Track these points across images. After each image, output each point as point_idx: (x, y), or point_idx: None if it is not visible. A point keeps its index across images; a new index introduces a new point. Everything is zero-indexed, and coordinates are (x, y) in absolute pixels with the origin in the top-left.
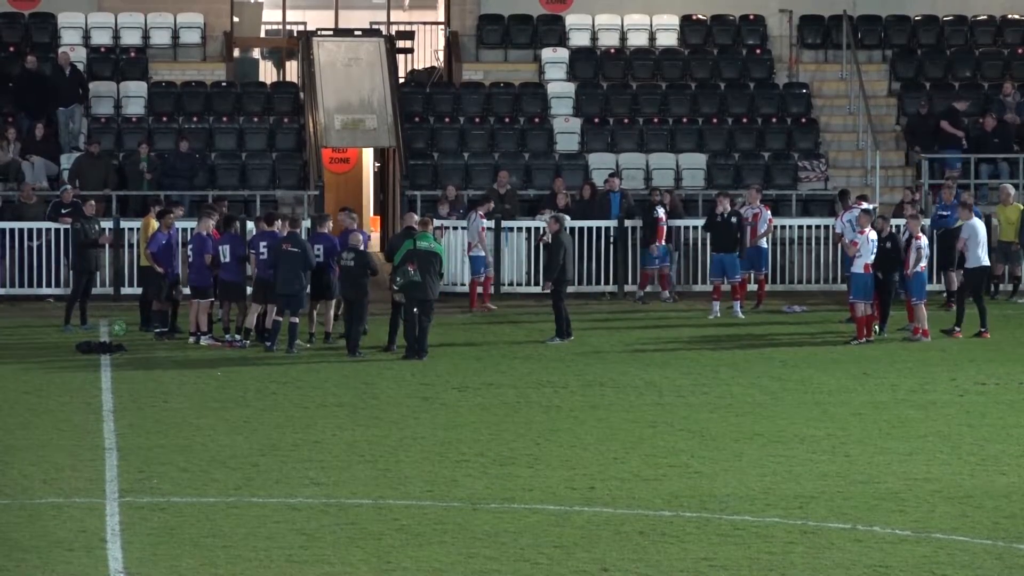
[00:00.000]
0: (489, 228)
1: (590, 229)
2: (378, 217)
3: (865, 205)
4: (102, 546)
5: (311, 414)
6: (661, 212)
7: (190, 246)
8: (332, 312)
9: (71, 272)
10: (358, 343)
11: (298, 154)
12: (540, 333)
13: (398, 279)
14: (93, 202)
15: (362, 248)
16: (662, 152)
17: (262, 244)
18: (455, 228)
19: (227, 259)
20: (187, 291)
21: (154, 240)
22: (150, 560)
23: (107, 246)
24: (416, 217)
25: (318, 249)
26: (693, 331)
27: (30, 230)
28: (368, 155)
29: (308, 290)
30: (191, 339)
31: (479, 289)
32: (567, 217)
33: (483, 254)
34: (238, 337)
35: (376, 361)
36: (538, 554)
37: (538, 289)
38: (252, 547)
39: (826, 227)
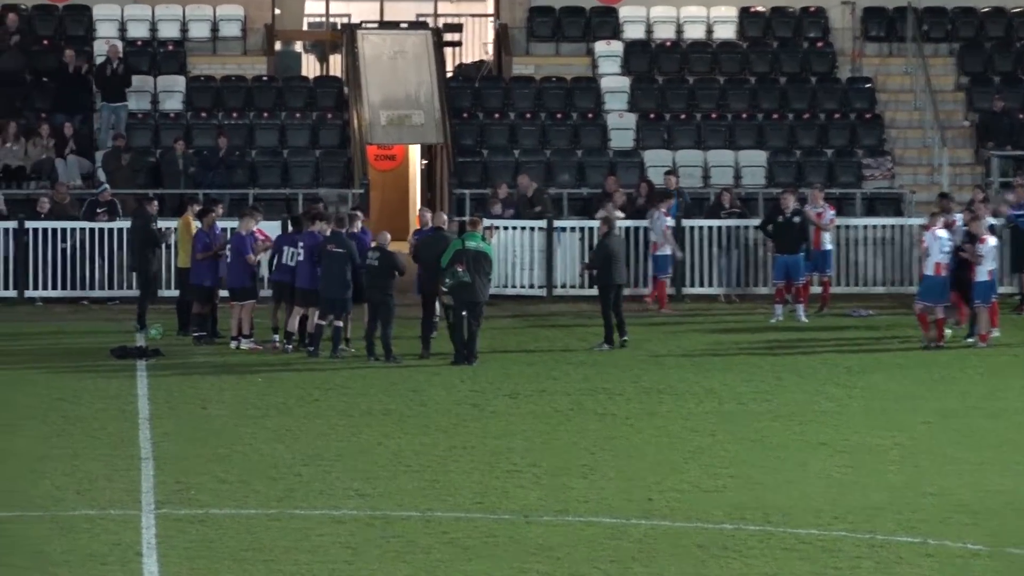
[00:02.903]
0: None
1: (647, 230)
2: None
3: (957, 217)
4: (137, 560)
5: (355, 422)
6: (815, 211)
7: (228, 245)
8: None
9: (135, 273)
10: (391, 348)
11: (342, 151)
12: (595, 337)
13: (447, 280)
14: (156, 202)
15: (388, 246)
16: (720, 149)
17: (300, 243)
18: (506, 228)
19: (291, 261)
20: (225, 293)
21: (198, 240)
22: (188, 574)
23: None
24: (444, 216)
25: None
26: (754, 336)
27: (63, 230)
28: (415, 152)
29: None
30: (232, 343)
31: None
32: (621, 215)
33: (668, 252)
34: (276, 339)
35: (424, 367)
36: (593, 569)
37: (593, 292)
38: (294, 561)
39: (892, 227)
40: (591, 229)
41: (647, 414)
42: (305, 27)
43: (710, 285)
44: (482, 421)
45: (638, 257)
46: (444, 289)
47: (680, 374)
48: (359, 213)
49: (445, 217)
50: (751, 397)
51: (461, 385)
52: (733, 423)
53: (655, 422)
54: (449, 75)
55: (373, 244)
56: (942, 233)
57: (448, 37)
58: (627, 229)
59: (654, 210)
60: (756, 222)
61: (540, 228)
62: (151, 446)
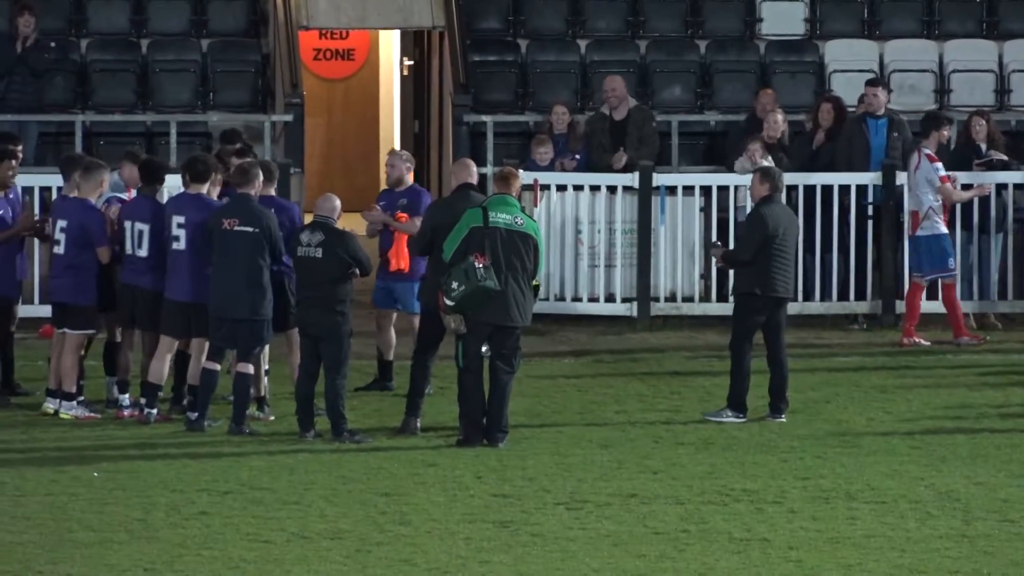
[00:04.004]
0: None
1: (826, 189)
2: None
3: None
4: None
5: (279, 553)
6: None
7: (61, 224)
8: (296, 354)
9: None
10: (344, 416)
11: (252, 42)
12: (723, 392)
13: (454, 286)
14: None
15: (337, 222)
16: (968, 39)
17: (177, 220)
18: (563, 188)
19: (141, 249)
20: (28, 309)
21: None
22: None
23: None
24: (472, 168)
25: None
26: None
27: None
28: (390, 44)
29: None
30: (49, 404)
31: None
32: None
33: (943, 230)
34: (124, 399)
35: (408, 451)
36: None
37: (719, 308)
38: None
39: None
40: (724, 190)
41: (827, 541)
42: None
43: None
44: (514, 553)
45: (814, 244)
46: (449, 303)
47: (890, 465)
48: (250, 163)
49: (474, 168)
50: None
51: (476, 484)
52: (992, 560)
53: (842, 556)
54: None
55: (310, 219)
56: None
57: None
58: (792, 193)
59: (916, 153)
60: None
61: (626, 188)
62: None
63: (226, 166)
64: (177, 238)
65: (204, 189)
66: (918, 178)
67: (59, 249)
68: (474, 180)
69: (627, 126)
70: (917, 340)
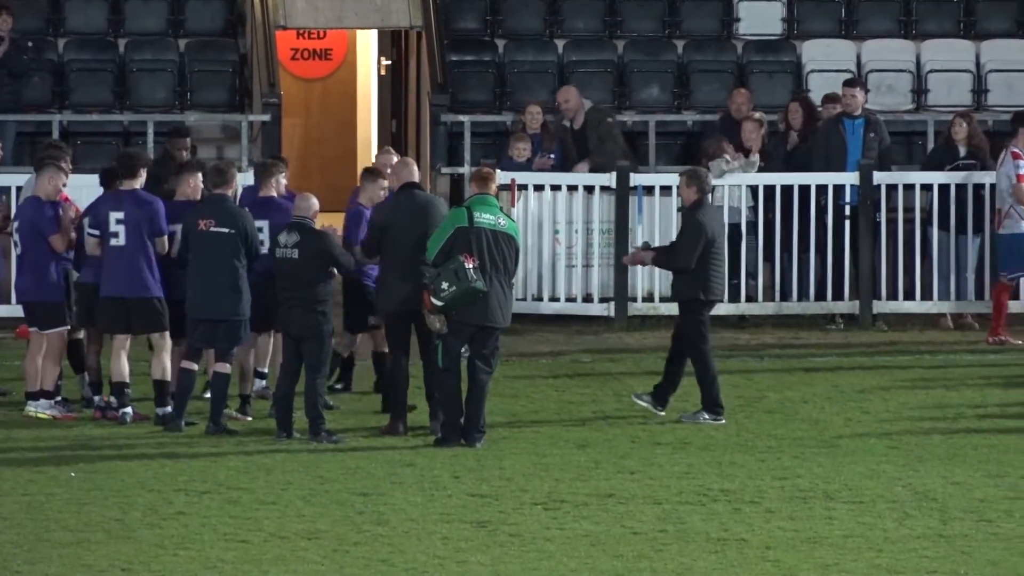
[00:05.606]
0: None
1: (803, 189)
2: None
3: None
4: None
5: (257, 553)
6: None
7: (15, 225)
8: (269, 352)
9: None
10: (322, 416)
11: (228, 41)
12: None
13: (444, 286)
14: None
15: (314, 222)
16: (947, 38)
17: (115, 216)
18: (540, 188)
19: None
20: (4, 309)
21: None
22: None
23: None
24: (413, 167)
25: (262, 227)
26: (1010, 394)
27: None
28: (368, 43)
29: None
30: (30, 407)
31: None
32: (733, 164)
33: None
34: (100, 400)
35: (385, 451)
36: None
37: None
38: None
39: None
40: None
41: (805, 541)
42: None
43: (927, 297)
44: (492, 553)
45: (791, 244)
46: (437, 303)
47: (868, 465)
48: (226, 163)
49: (415, 167)
50: (1000, 509)
51: (454, 484)
52: (969, 560)
53: (820, 556)
54: None
55: (295, 219)
56: None
57: None
58: (770, 193)
59: (1004, 151)
60: None
61: (604, 188)
62: None
63: (176, 161)
64: (116, 234)
65: (137, 184)
66: (1000, 175)
67: (19, 250)
68: (416, 179)
69: (586, 131)
70: (1004, 339)
